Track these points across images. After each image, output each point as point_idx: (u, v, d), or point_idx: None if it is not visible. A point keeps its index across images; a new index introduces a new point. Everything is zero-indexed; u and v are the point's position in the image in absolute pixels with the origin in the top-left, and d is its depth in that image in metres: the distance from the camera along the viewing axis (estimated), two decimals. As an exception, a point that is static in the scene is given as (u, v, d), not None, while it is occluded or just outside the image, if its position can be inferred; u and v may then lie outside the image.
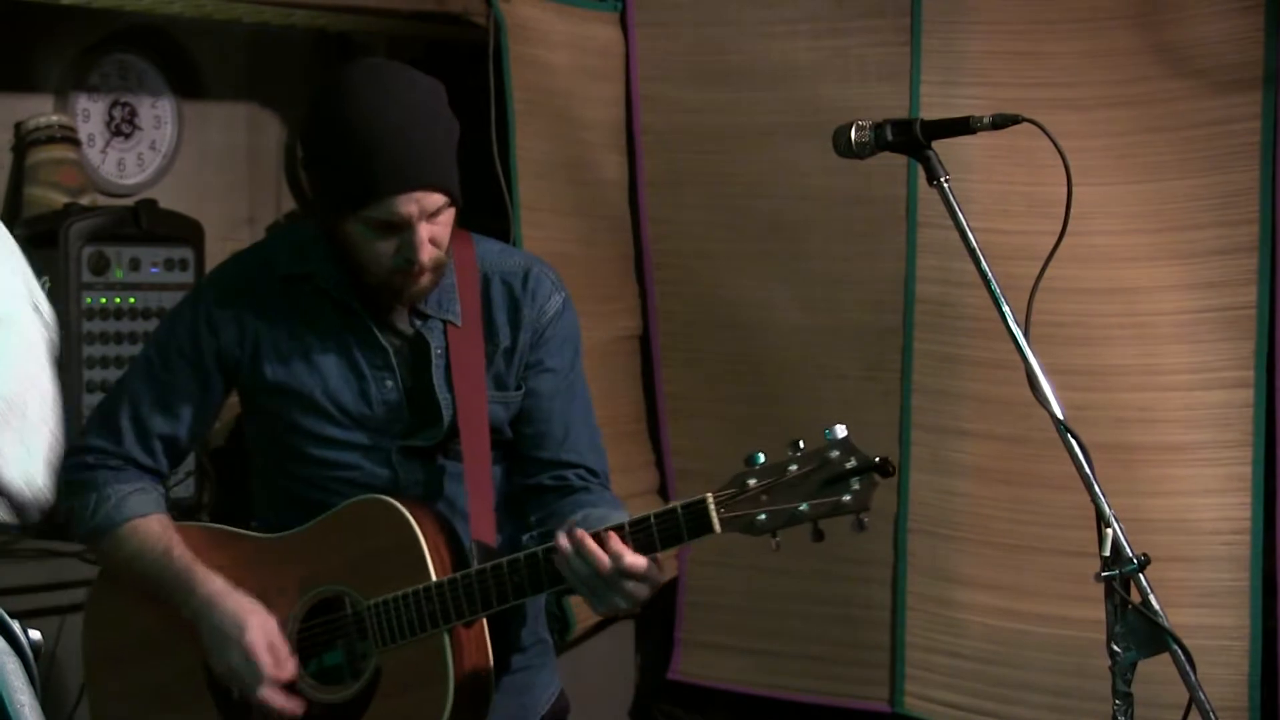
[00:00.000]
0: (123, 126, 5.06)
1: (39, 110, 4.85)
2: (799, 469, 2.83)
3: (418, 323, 3.18)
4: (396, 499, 3.08)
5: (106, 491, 3.24)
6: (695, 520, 2.87)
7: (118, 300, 4.49)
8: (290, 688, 3.10)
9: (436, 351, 3.17)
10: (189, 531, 3.25)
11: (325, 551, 3.14)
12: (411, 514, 3.06)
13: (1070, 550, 4.44)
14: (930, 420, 4.72)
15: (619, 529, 2.89)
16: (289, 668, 3.10)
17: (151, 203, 4.65)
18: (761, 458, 2.86)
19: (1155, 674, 2.81)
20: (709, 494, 2.86)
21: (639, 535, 2.89)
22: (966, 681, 4.77)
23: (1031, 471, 4.54)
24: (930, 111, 4.22)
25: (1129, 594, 2.73)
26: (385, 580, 3.05)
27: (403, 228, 3.02)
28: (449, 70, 3.53)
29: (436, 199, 3.03)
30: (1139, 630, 2.73)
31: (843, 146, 3.19)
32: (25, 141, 4.79)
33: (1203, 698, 2.69)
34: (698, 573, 5.15)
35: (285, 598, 3.14)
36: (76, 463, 3.25)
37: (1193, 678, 2.68)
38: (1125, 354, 4.51)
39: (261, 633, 3.09)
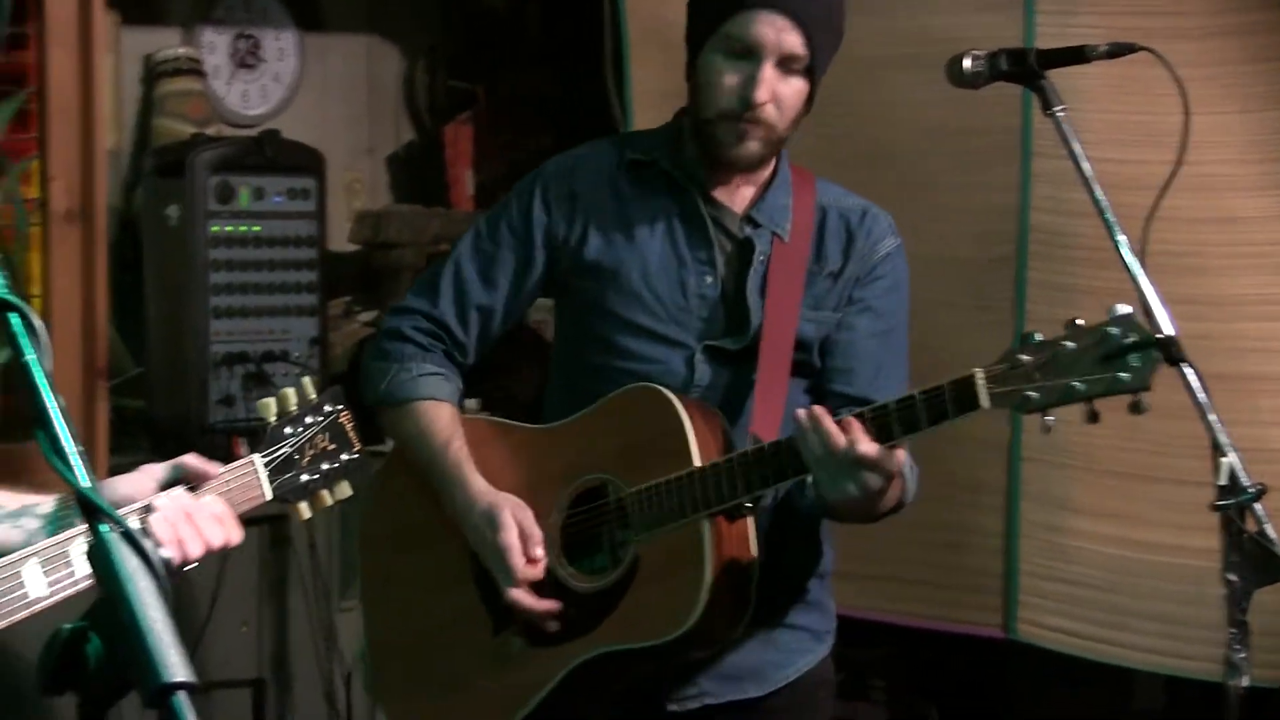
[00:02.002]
0: (247, 59, 5.09)
1: (166, 43, 4.88)
2: (1075, 345, 2.72)
3: (748, 229, 3.15)
4: (664, 387, 3.05)
5: (410, 365, 3.23)
6: (962, 396, 2.79)
7: (243, 228, 4.53)
8: (545, 583, 3.07)
9: (759, 258, 3.14)
10: (471, 424, 3.25)
11: (592, 440, 3.12)
12: (679, 402, 3.01)
13: (1185, 479, 4.39)
14: (1043, 350, 4.69)
15: (865, 413, 2.82)
16: (538, 568, 3.07)
17: (275, 133, 4.68)
18: (1037, 335, 2.76)
19: (1270, 603, 2.77)
20: (977, 369, 2.78)
21: (883, 418, 2.82)
22: (1080, 609, 4.75)
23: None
24: (1045, 41, 4.16)
25: (1245, 523, 2.69)
26: (649, 468, 3.01)
27: (754, 54, 3.01)
28: (565, 2, 3.52)
29: (794, 40, 3.02)
30: (1255, 559, 2.68)
31: (956, 77, 3.15)
32: (153, 74, 4.83)
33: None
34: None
35: (552, 487, 3.13)
36: (392, 328, 3.28)
37: (1308, 607, 2.65)
38: (1242, 283, 4.44)
39: (514, 532, 3.07)
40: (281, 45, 5.14)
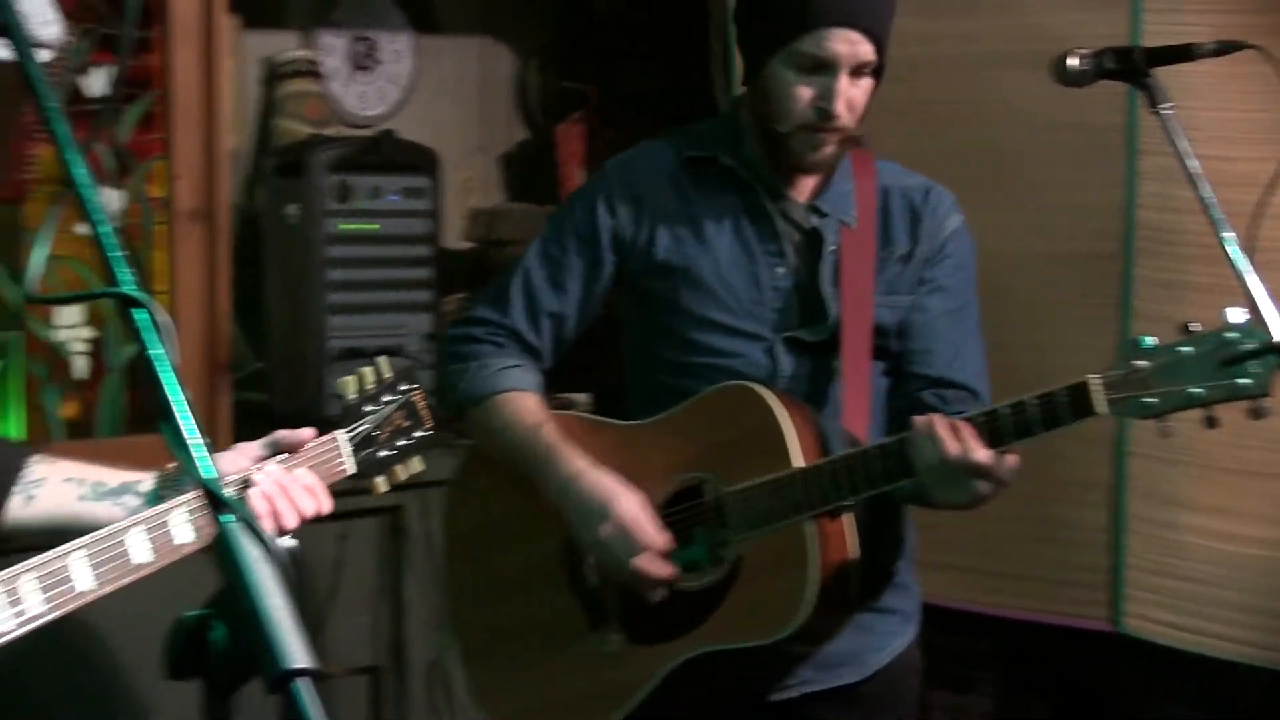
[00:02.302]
0: (364, 61, 5.12)
1: (286, 46, 4.92)
2: (1193, 350, 2.71)
3: (814, 219, 3.15)
4: (760, 385, 3.04)
5: (488, 361, 3.24)
6: (1077, 402, 2.78)
7: (360, 226, 4.56)
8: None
9: (829, 248, 3.14)
10: (560, 420, 3.23)
11: (687, 438, 3.10)
12: (775, 400, 3.01)
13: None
14: (1151, 346, 4.65)
15: (977, 417, 2.82)
16: (664, 537, 3.05)
17: (391, 133, 4.71)
18: (1149, 340, 2.75)
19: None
20: (1092, 375, 2.76)
21: (1018, 418, 2.82)
22: (1188, 603, 4.70)
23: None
24: (1151, 39, 4.13)
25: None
26: (746, 467, 3.00)
27: (828, 69, 3.01)
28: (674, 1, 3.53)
29: (867, 50, 3.03)
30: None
31: (1062, 75, 3.14)
32: (273, 76, 4.87)
33: None
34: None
35: (647, 485, 3.10)
36: (462, 334, 3.29)
37: None
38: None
39: (632, 503, 3.05)
40: (397, 47, 5.18)
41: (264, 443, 2.58)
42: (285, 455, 2.58)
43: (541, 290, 3.25)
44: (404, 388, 2.82)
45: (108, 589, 2.33)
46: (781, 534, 2.98)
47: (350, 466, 2.68)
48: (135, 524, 2.37)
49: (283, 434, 2.60)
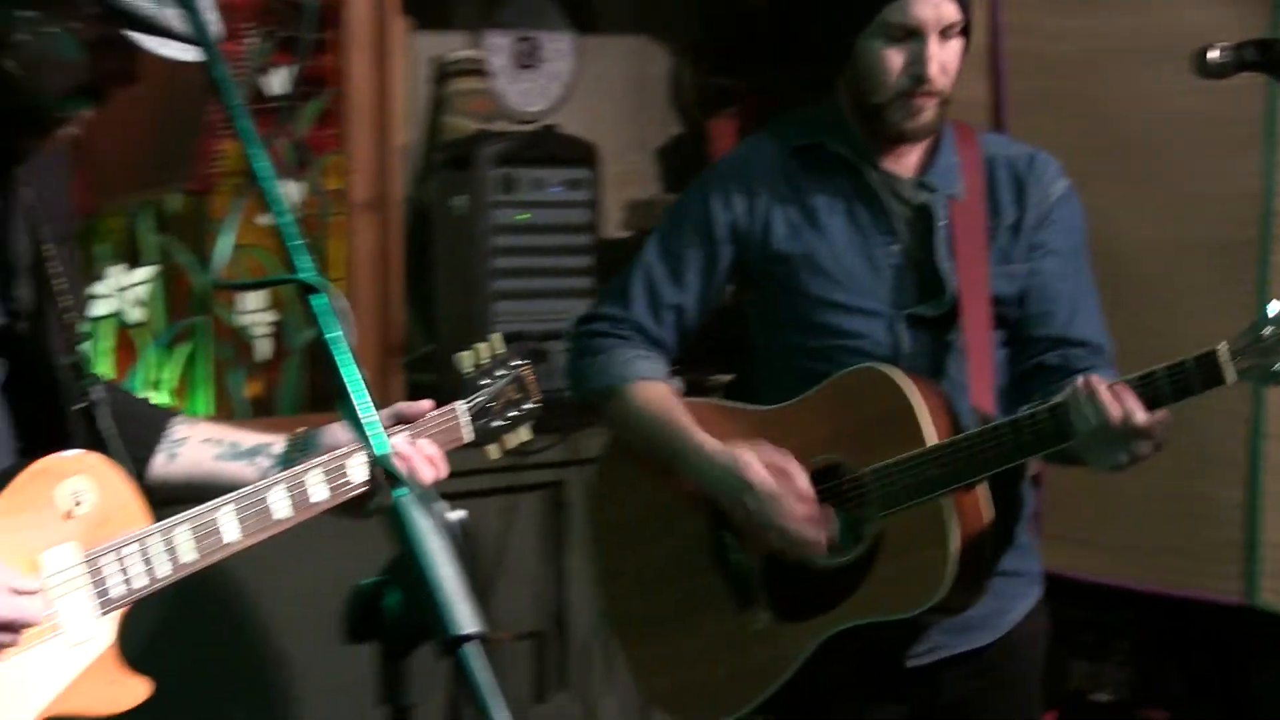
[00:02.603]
0: (527, 60, 5.13)
1: (454, 46, 4.94)
2: None
3: (922, 194, 3.13)
4: (890, 367, 3.02)
5: (616, 354, 3.24)
6: (1206, 371, 2.74)
7: (523, 217, 4.57)
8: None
9: (940, 223, 3.11)
10: (696, 406, 3.23)
11: (821, 420, 3.09)
12: (905, 381, 2.98)
13: None
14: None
15: (1133, 381, 2.78)
16: (809, 502, 3.02)
17: (552, 128, 4.73)
18: (1277, 306, 2.70)
19: None
20: (1221, 343, 2.72)
21: (1147, 389, 2.77)
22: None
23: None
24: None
25: None
26: (881, 446, 2.98)
27: (917, 35, 2.99)
28: None
29: (951, 10, 3.00)
30: None
31: (1202, 67, 3.07)
32: (442, 74, 4.89)
33: None
34: (1055, 471, 5.08)
35: None
36: (586, 330, 3.31)
37: None
38: None
39: (761, 466, 3.03)
40: (558, 47, 5.18)
41: (388, 413, 2.60)
42: (408, 425, 2.62)
43: (662, 284, 3.24)
44: (515, 363, 2.86)
45: (250, 541, 2.43)
46: (920, 510, 2.96)
47: (468, 435, 2.71)
48: (276, 483, 2.45)
49: (404, 406, 2.63)
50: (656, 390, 3.22)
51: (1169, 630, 5.10)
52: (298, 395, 4.32)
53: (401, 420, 2.61)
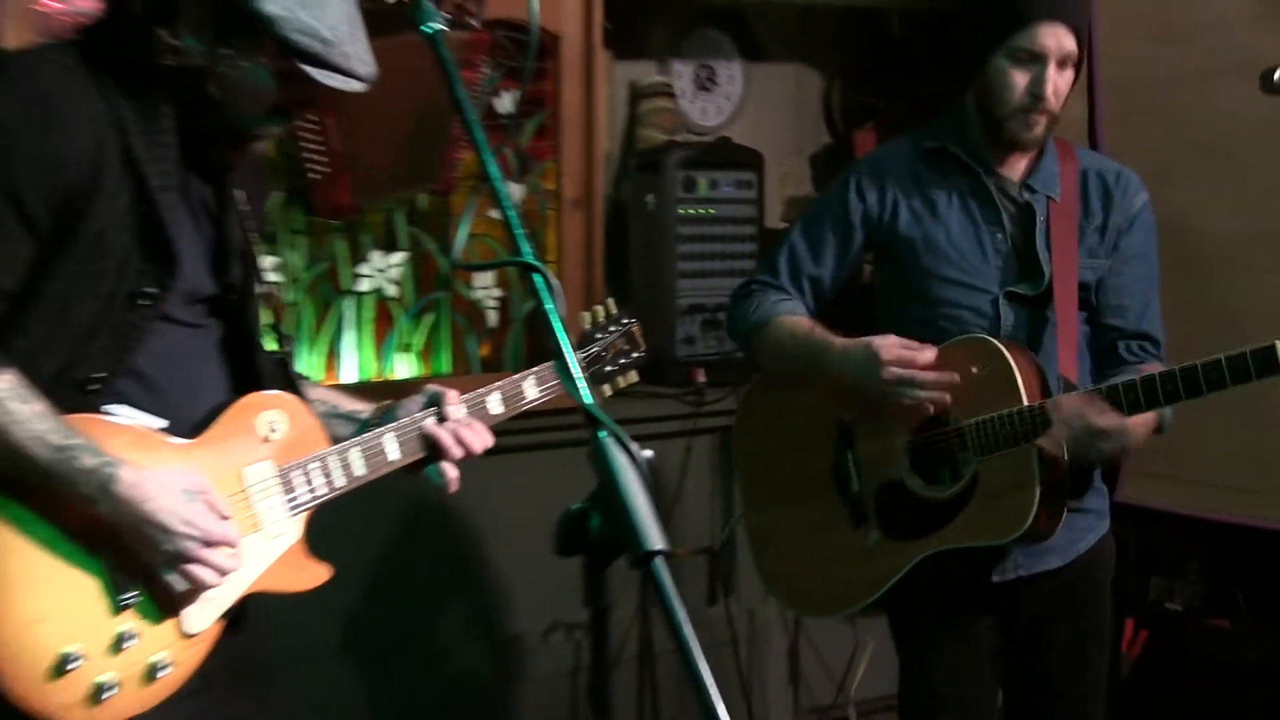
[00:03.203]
0: (705, 83, 5.12)
1: (646, 73, 4.94)
2: None
3: (1025, 194, 3.11)
4: (994, 337, 3.01)
5: (765, 297, 3.26)
6: (1264, 363, 2.73)
7: (701, 211, 4.57)
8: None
9: (1039, 218, 3.09)
10: None
11: None
12: (1006, 349, 2.97)
13: None
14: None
15: (1175, 371, 2.80)
16: (930, 350, 3.02)
17: (726, 139, 4.72)
18: None
19: None
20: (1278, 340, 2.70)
21: (1193, 376, 2.79)
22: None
23: None
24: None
25: None
26: (982, 403, 2.97)
27: (1039, 60, 2.97)
28: (943, 27, 3.45)
29: (1069, 43, 2.97)
30: None
31: (1268, 85, 3.01)
32: (636, 96, 4.90)
33: None
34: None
35: (902, 419, 3.10)
36: (743, 289, 3.32)
37: None
38: None
39: (893, 344, 3.03)
40: (731, 73, 5.16)
41: (430, 391, 2.64)
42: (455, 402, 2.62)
43: (803, 259, 3.25)
44: (625, 321, 2.89)
45: (391, 468, 2.55)
46: (1011, 456, 2.94)
47: (497, 407, 2.68)
48: (390, 431, 2.55)
49: (439, 388, 2.64)
50: (799, 320, 3.23)
51: (1233, 553, 5.04)
52: (519, 355, 4.35)
53: (438, 400, 2.62)
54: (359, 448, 2.51)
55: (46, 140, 2.21)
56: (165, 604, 2.32)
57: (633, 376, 2.91)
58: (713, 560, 4.50)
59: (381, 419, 2.60)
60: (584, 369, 2.75)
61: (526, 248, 1.94)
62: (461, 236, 4.20)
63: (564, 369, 1.90)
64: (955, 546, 3.02)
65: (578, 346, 2.76)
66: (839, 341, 3.11)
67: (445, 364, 4.23)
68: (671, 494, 4.39)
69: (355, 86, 2.34)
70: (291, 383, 2.56)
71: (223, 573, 2.30)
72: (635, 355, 2.90)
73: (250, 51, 2.30)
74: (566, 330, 1.93)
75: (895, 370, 3.00)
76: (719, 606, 4.49)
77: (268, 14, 2.27)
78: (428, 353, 4.23)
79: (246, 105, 2.35)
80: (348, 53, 2.32)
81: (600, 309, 2.89)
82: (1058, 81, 2.99)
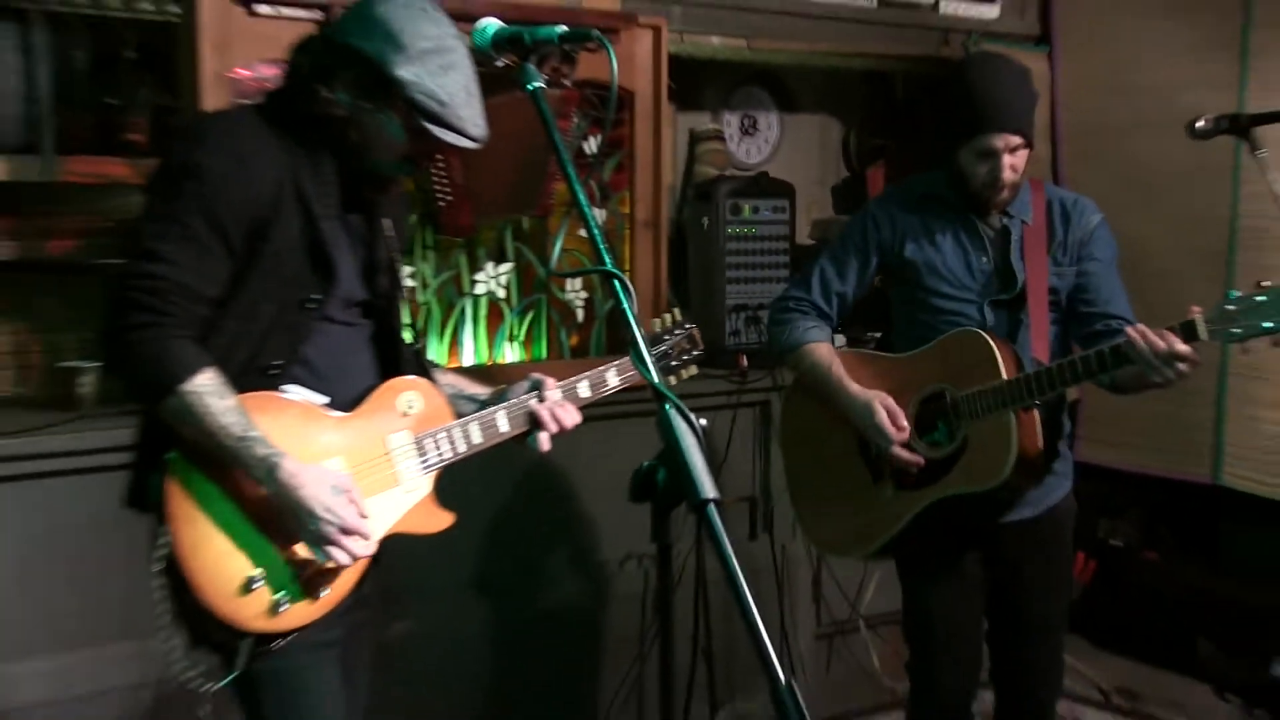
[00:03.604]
0: (749, 129, 5.11)
1: (702, 121, 4.93)
2: (1265, 299, 2.63)
3: (1004, 219, 3.12)
4: (980, 330, 3.03)
5: (798, 324, 3.27)
6: (1188, 331, 2.71)
7: (745, 230, 4.55)
8: (909, 447, 3.09)
9: (1014, 238, 3.10)
10: (845, 356, 3.26)
11: (933, 364, 3.10)
12: (990, 339, 3.00)
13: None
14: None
15: (1173, 327, 2.75)
16: (905, 432, 3.07)
17: (765, 174, 4.69)
18: (1236, 292, 2.67)
19: None
20: (1198, 313, 2.70)
21: (1187, 329, 2.74)
22: (1269, 465, 4.47)
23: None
24: (1253, 106, 3.91)
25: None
26: (972, 380, 2.99)
27: (993, 156, 2.98)
28: (936, 87, 3.42)
29: (1017, 140, 2.98)
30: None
31: (1192, 132, 3.03)
32: (695, 139, 4.89)
33: None
34: (1093, 399, 4.96)
35: (908, 392, 3.12)
36: (781, 305, 3.33)
37: None
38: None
39: (884, 412, 3.08)
40: (769, 121, 5.15)
41: (533, 379, 2.62)
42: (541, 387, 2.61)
43: (831, 278, 3.26)
44: (686, 326, 2.90)
45: (515, 433, 2.55)
46: (994, 420, 2.95)
47: (585, 392, 2.68)
48: (502, 409, 2.55)
49: (541, 377, 2.63)
50: (822, 350, 3.25)
51: (1163, 501, 5.02)
52: (601, 344, 4.35)
53: (539, 384, 2.60)
54: (477, 421, 2.53)
55: (241, 185, 2.26)
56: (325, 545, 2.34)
57: (693, 370, 2.91)
58: (752, 506, 4.48)
59: (495, 399, 2.62)
60: (657, 362, 2.75)
61: (608, 259, 1.96)
62: (556, 250, 4.22)
63: (638, 354, 1.91)
64: (950, 494, 3.02)
65: (649, 344, 2.75)
66: (850, 388, 3.16)
67: (542, 351, 4.25)
68: (720, 454, 4.38)
69: (467, 144, 2.35)
70: (425, 369, 2.58)
71: (355, 557, 2.31)
72: (696, 353, 2.91)
73: (385, 107, 2.33)
74: (638, 323, 1.93)
75: (880, 433, 3.08)
76: (758, 542, 4.48)
77: (399, 78, 2.29)
78: (529, 343, 4.24)
79: (382, 152, 2.37)
80: (462, 115, 2.33)
81: (668, 316, 2.90)
82: (1012, 162, 3.01)
